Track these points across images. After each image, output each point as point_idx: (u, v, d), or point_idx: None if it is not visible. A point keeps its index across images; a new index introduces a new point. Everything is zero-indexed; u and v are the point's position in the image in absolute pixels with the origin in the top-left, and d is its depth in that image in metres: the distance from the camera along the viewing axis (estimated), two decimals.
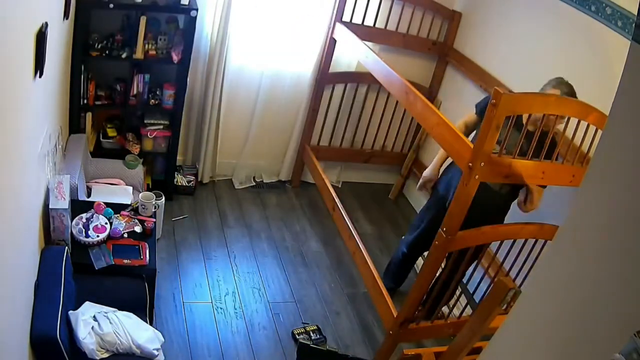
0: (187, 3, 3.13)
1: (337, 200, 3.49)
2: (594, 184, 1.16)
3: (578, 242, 1.20)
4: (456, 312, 3.04)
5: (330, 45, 3.80)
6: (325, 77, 3.93)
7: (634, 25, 2.04)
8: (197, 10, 3.14)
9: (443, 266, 2.70)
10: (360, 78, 4.01)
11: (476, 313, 1.99)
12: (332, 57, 3.86)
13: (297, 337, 2.99)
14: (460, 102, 3.90)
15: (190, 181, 3.92)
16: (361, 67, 3.74)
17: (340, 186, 4.47)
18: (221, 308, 3.09)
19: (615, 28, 2.60)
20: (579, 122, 2.32)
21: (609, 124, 1.11)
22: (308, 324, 3.11)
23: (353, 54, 3.80)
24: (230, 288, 3.24)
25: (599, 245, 1.13)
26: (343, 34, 3.63)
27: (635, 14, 2.40)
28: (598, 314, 1.10)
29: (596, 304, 1.11)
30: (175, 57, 3.24)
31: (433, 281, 2.63)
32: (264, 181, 4.32)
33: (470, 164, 2.19)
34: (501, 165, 2.25)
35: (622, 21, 2.55)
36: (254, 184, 4.26)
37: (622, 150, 1.06)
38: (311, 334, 3.03)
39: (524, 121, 2.35)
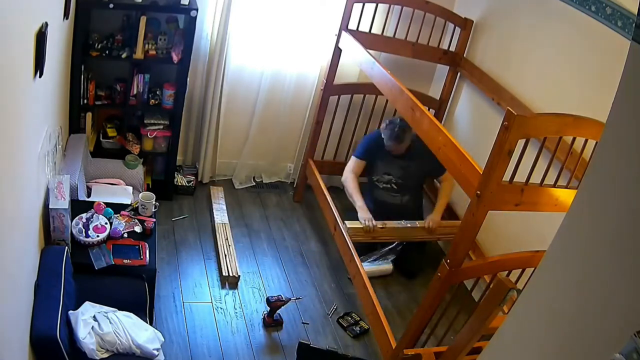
0: (187, 3, 3.13)
1: (339, 220, 3.39)
2: (594, 182, 1.16)
3: (578, 241, 1.20)
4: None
5: (336, 54, 3.62)
6: (330, 88, 3.75)
7: (634, 25, 2.04)
8: (197, 10, 3.14)
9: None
10: (366, 89, 3.81)
11: (476, 313, 1.99)
12: (337, 67, 3.67)
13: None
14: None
15: (190, 181, 3.92)
16: (364, 78, 3.56)
17: (342, 187, 4.44)
18: (221, 308, 3.09)
19: (615, 28, 2.59)
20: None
21: (609, 125, 1.10)
22: (308, 323, 3.12)
23: (359, 64, 3.51)
24: (230, 288, 3.24)
25: (599, 244, 1.13)
26: (349, 43, 3.44)
27: (635, 14, 2.40)
28: (598, 314, 1.10)
29: (596, 304, 1.11)
30: (175, 57, 3.24)
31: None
32: (264, 181, 4.31)
33: (479, 192, 2.03)
34: (512, 193, 2.08)
35: (622, 21, 2.55)
36: (254, 184, 4.26)
37: (623, 147, 1.06)
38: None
39: None
